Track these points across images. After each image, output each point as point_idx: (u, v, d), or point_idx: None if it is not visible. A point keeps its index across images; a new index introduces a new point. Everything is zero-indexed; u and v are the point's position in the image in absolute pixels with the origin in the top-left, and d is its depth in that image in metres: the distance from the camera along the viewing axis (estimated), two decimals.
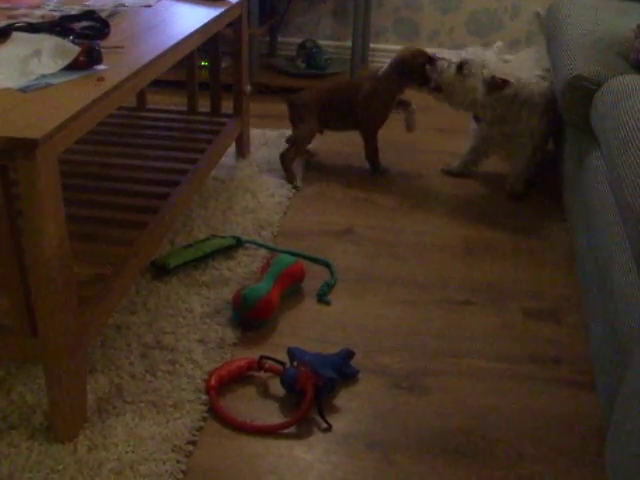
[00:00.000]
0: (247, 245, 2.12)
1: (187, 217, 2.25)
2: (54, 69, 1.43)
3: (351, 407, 1.57)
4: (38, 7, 1.93)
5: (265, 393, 1.60)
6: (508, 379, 1.67)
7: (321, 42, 3.64)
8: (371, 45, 3.75)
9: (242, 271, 2.00)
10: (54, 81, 1.38)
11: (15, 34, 1.57)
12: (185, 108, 2.69)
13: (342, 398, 1.59)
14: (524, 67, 2.49)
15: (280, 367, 1.61)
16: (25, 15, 1.82)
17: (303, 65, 3.47)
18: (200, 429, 1.48)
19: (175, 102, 3.10)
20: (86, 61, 1.46)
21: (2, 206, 1.22)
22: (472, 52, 2.40)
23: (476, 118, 2.54)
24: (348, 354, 1.67)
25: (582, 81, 1.91)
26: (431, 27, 3.71)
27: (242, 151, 2.71)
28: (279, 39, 3.81)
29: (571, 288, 2.02)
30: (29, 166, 1.16)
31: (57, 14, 1.80)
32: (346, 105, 2.59)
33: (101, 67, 1.47)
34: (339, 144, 2.90)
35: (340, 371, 1.61)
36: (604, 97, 1.75)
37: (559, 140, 2.48)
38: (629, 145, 1.43)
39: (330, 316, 1.86)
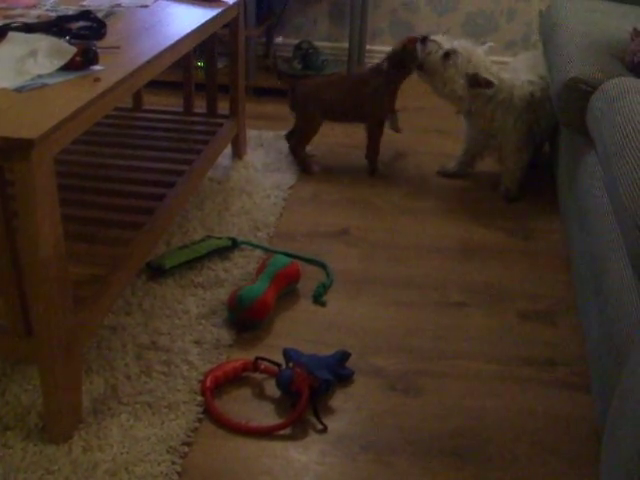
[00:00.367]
0: (243, 246, 2.12)
1: (183, 218, 2.25)
2: (50, 69, 1.43)
3: (346, 408, 1.57)
4: (34, 7, 1.93)
5: (260, 394, 1.59)
6: (504, 381, 1.67)
7: (317, 43, 3.63)
8: (367, 46, 3.75)
9: (238, 272, 2.00)
10: (50, 81, 1.38)
11: (11, 34, 1.57)
12: (181, 109, 2.69)
13: (337, 399, 1.59)
14: (518, 70, 2.50)
15: (276, 368, 1.61)
16: (21, 15, 1.82)
17: (299, 66, 3.47)
18: (195, 430, 1.48)
19: (171, 103, 3.09)
20: (82, 61, 1.45)
21: None
22: (463, 45, 2.41)
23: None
24: (344, 355, 1.66)
25: (578, 83, 1.91)
26: (427, 28, 3.70)
27: (238, 152, 2.71)
28: (275, 40, 3.81)
29: (567, 290, 2.02)
30: (25, 166, 1.16)
31: (53, 14, 1.80)
32: (351, 98, 2.60)
33: (97, 67, 1.47)
34: (335, 145, 2.90)
35: (336, 372, 1.61)
36: (600, 99, 1.75)
37: (554, 142, 2.48)
38: (625, 147, 1.43)
39: (326, 317, 1.86)
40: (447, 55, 2.38)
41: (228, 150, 2.70)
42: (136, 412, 1.50)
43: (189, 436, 1.45)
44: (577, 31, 2.22)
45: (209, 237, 2.09)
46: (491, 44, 2.54)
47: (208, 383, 1.56)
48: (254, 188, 2.47)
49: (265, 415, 1.54)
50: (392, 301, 1.94)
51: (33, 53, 1.45)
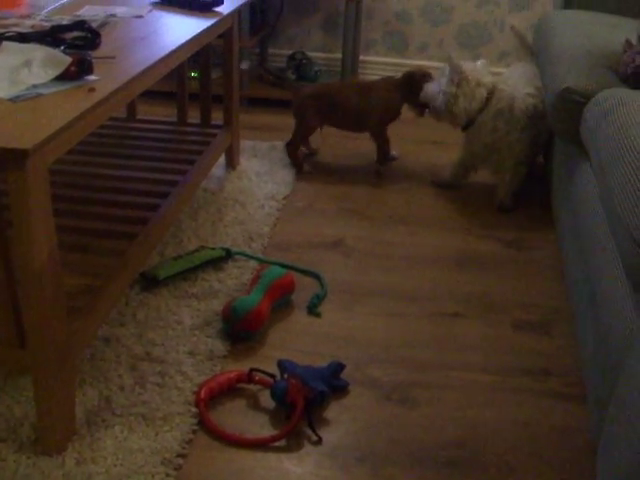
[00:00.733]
0: (237, 257, 2.11)
1: (177, 228, 2.24)
2: (45, 79, 1.42)
3: (341, 420, 1.56)
4: (28, 17, 1.92)
5: (255, 406, 1.59)
6: (498, 391, 1.67)
7: (311, 54, 3.64)
8: (361, 57, 3.76)
9: (232, 283, 1.99)
10: (45, 91, 1.37)
11: (5, 44, 1.57)
12: (175, 119, 2.69)
13: (332, 411, 1.58)
14: (517, 82, 2.51)
15: (270, 380, 1.60)
16: (15, 25, 1.82)
17: (293, 77, 3.47)
18: (190, 442, 1.47)
19: (165, 113, 3.09)
20: (77, 71, 1.45)
21: None
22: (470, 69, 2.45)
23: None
24: (338, 367, 1.66)
25: (572, 94, 1.91)
26: (421, 39, 3.73)
27: (232, 162, 2.70)
28: (269, 50, 3.82)
29: (561, 300, 2.02)
30: (19, 176, 1.16)
31: (48, 24, 1.79)
32: (354, 105, 2.67)
33: (92, 77, 1.46)
34: (329, 156, 2.90)
35: (330, 384, 1.61)
36: (594, 110, 1.76)
37: (549, 152, 2.49)
38: (619, 158, 1.43)
39: (320, 328, 1.86)
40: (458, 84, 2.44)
41: (222, 160, 2.69)
42: (130, 424, 1.49)
43: (184, 448, 1.44)
44: (570, 42, 2.23)
45: (203, 248, 2.08)
46: (483, 61, 2.56)
47: (202, 394, 1.55)
48: (248, 198, 2.47)
49: (260, 426, 1.53)
50: (387, 312, 1.94)
51: (28, 63, 1.45)
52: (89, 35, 1.69)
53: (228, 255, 2.09)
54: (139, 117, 2.74)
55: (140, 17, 2.04)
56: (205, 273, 2.03)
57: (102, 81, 1.45)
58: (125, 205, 1.99)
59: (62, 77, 1.43)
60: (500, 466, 1.46)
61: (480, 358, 1.78)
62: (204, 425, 1.51)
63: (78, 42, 1.64)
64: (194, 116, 2.70)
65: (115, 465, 1.39)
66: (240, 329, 1.77)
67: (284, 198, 2.51)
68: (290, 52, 3.58)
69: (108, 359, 1.67)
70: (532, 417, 1.60)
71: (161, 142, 2.46)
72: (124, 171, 2.20)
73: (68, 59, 1.45)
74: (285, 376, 1.59)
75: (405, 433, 1.53)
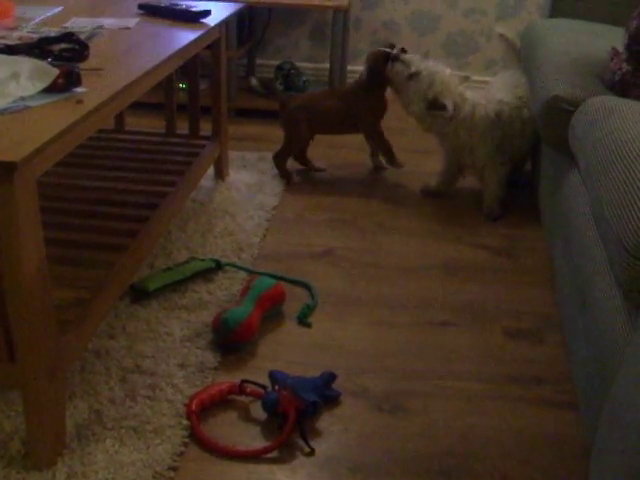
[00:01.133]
0: (227, 268, 2.11)
1: (166, 240, 2.24)
2: (32, 91, 1.42)
3: (334, 430, 1.55)
4: (16, 29, 1.92)
5: (247, 417, 1.58)
6: (490, 400, 1.67)
7: (299, 64, 3.65)
8: (349, 67, 3.76)
9: (222, 294, 1.98)
10: (32, 103, 1.37)
11: None
12: (163, 130, 2.68)
13: (324, 421, 1.58)
14: (494, 90, 2.53)
15: (262, 391, 1.59)
16: (3, 37, 1.81)
17: (281, 87, 3.47)
18: (181, 454, 1.46)
19: (153, 124, 3.08)
20: (65, 83, 1.44)
21: None
22: (431, 67, 2.48)
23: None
24: (330, 377, 1.65)
25: (559, 102, 1.92)
26: (408, 49, 3.72)
27: (221, 173, 2.70)
28: (257, 61, 3.82)
29: (551, 307, 2.02)
30: (7, 189, 1.15)
31: (35, 36, 1.79)
32: (342, 109, 2.71)
33: (80, 89, 1.46)
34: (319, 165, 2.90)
35: (322, 394, 1.60)
36: (581, 118, 1.76)
37: (536, 160, 2.50)
38: (608, 165, 1.44)
39: (311, 338, 1.85)
40: (411, 77, 2.47)
41: (211, 171, 2.69)
42: (121, 437, 1.48)
43: (175, 460, 1.43)
44: (557, 50, 2.24)
45: (193, 259, 2.08)
46: (466, 75, 2.58)
47: (194, 406, 1.54)
48: (237, 209, 2.47)
49: (252, 438, 1.52)
50: (377, 321, 1.94)
51: (15, 75, 1.44)
52: (77, 47, 1.69)
53: (218, 266, 2.08)
54: (127, 129, 2.73)
55: (128, 29, 2.04)
56: (195, 284, 2.02)
57: (90, 93, 1.45)
58: (114, 217, 1.98)
59: (50, 89, 1.43)
60: (493, 474, 1.46)
61: (471, 366, 1.78)
62: (195, 437, 1.50)
63: (66, 54, 1.64)
64: (182, 127, 2.70)
65: (106, 479, 1.38)
66: (231, 340, 1.76)
67: (273, 209, 2.51)
68: (278, 62, 3.59)
69: (98, 372, 1.66)
70: (524, 425, 1.59)
71: (150, 154, 2.45)
72: (113, 183, 2.19)
73: (56, 71, 1.45)
74: (276, 387, 1.58)
75: (397, 443, 1.53)
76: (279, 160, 2.77)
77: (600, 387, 1.31)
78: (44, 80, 1.44)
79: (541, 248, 2.35)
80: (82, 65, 1.61)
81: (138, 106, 3.09)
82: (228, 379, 1.66)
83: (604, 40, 2.33)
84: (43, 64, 1.49)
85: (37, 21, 2.04)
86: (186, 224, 2.34)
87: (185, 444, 1.48)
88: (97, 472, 1.39)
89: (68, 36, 1.73)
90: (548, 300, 2.06)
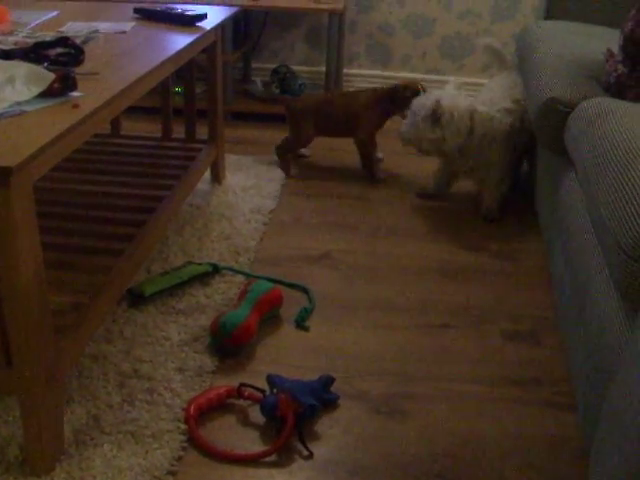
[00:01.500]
0: (224, 272, 2.10)
1: (163, 244, 2.23)
2: (28, 96, 1.41)
3: (332, 434, 1.55)
4: (11, 34, 1.92)
5: (245, 421, 1.58)
6: (489, 402, 1.67)
7: (295, 67, 3.65)
8: (345, 70, 3.77)
9: (219, 298, 1.98)
10: (28, 108, 1.37)
11: None
12: (160, 134, 2.68)
13: (323, 425, 1.57)
14: (494, 97, 2.52)
15: (260, 395, 1.59)
16: None
17: (277, 90, 3.47)
18: (180, 459, 1.45)
19: (149, 129, 3.09)
20: (61, 88, 1.44)
21: None
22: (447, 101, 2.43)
23: None
24: (328, 380, 1.65)
25: (556, 104, 1.92)
26: (404, 51, 3.74)
27: (217, 177, 2.70)
28: (253, 65, 3.82)
29: (549, 309, 2.02)
30: (4, 194, 1.15)
31: (31, 41, 1.79)
32: (343, 113, 2.78)
33: (76, 94, 1.46)
34: (314, 170, 2.90)
35: (320, 397, 1.60)
36: (578, 119, 1.77)
37: (533, 161, 2.50)
38: (604, 166, 1.44)
39: (309, 342, 1.85)
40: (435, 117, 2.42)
41: (207, 175, 2.69)
42: (119, 442, 1.48)
43: (173, 465, 1.43)
44: (553, 52, 2.25)
45: (190, 263, 2.08)
46: (452, 80, 2.59)
47: (192, 411, 1.54)
48: (234, 213, 2.46)
49: (250, 442, 1.52)
50: (375, 324, 1.93)
51: (11, 80, 1.44)
52: (72, 51, 1.69)
53: (215, 270, 2.08)
54: (123, 133, 2.73)
55: (123, 33, 2.04)
56: (192, 288, 2.02)
57: (86, 97, 1.45)
58: (111, 221, 1.98)
59: (46, 94, 1.43)
60: (492, 477, 1.46)
61: (470, 369, 1.78)
62: (194, 442, 1.50)
63: (61, 58, 1.64)
64: (179, 131, 2.70)
65: None
66: (229, 344, 1.76)
67: (270, 212, 2.50)
68: (274, 66, 3.59)
69: (96, 377, 1.66)
70: (523, 427, 1.59)
71: (146, 158, 2.45)
72: (109, 187, 2.19)
73: (52, 75, 1.45)
74: (274, 391, 1.58)
75: (396, 446, 1.53)
76: (280, 152, 2.85)
77: (598, 388, 1.31)
78: (40, 85, 1.44)
79: (538, 250, 2.35)
80: (78, 69, 1.61)
81: (134, 110, 3.10)
82: (226, 383, 1.66)
83: (599, 42, 2.33)
84: (39, 69, 1.48)
85: (33, 26, 2.03)
86: (183, 228, 2.34)
87: (183, 448, 1.48)
88: (95, 477, 1.39)
89: (64, 41, 1.72)
90: (546, 302, 2.06)
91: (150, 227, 1.94)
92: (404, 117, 2.63)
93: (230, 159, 2.90)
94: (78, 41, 1.85)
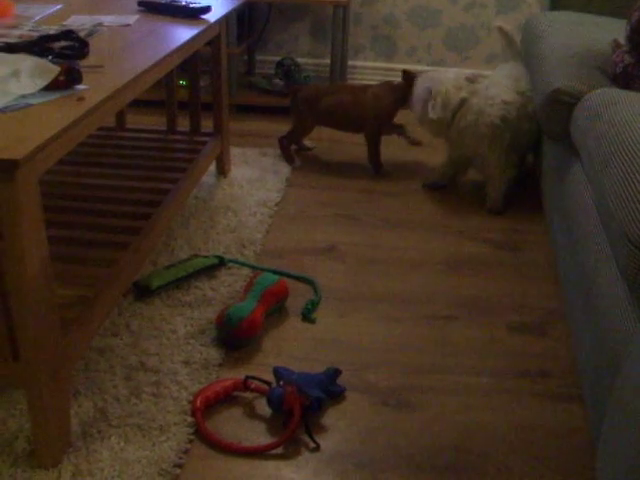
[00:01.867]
0: (230, 264, 2.10)
1: (169, 237, 2.23)
2: (33, 89, 1.41)
3: (339, 426, 1.55)
4: (16, 27, 1.91)
5: (252, 414, 1.58)
6: (495, 394, 1.67)
7: (299, 60, 3.64)
8: (349, 62, 3.76)
9: (225, 291, 1.98)
10: (34, 101, 1.36)
11: None
12: (164, 128, 2.68)
13: (330, 417, 1.58)
14: (497, 88, 2.51)
15: (266, 387, 1.59)
16: (3, 35, 1.81)
17: (282, 83, 3.47)
18: (187, 451, 1.46)
19: (154, 122, 3.08)
20: (66, 81, 1.44)
21: None
22: (435, 74, 2.52)
23: None
24: (335, 372, 1.65)
25: (562, 95, 1.92)
26: (409, 43, 3.73)
27: (223, 170, 2.70)
28: (258, 57, 3.81)
29: (555, 301, 2.02)
30: (10, 187, 1.15)
31: (35, 34, 1.79)
32: (352, 106, 2.76)
33: (81, 87, 1.45)
34: (320, 162, 2.90)
35: (327, 390, 1.60)
36: (584, 110, 1.76)
37: (538, 153, 2.49)
38: (611, 157, 1.43)
39: (315, 334, 1.85)
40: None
41: (212, 168, 2.69)
42: (126, 434, 1.48)
43: (180, 458, 1.43)
44: (559, 43, 2.24)
45: (196, 256, 2.07)
46: (475, 72, 2.61)
47: (198, 403, 1.54)
48: (239, 206, 2.46)
49: (257, 434, 1.52)
50: (381, 316, 1.93)
51: (16, 73, 1.44)
52: (77, 44, 1.68)
53: (221, 263, 2.08)
54: (128, 126, 2.73)
55: (127, 26, 2.03)
56: (198, 281, 2.02)
57: (91, 90, 1.44)
58: (117, 214, 1.98)
59: (51, 87, 1.43)
60: (499, 469, 1.46)
61: (476, 361, 1.77)
62: (201, 434, 1.50)
63: (66, 51, 1.64)
64: (184, 124, 2.70)
65: (112, 477, 1.38)
66: (235, 337, 1.76)
67: (276, 205, 2.50)
68: (278, 58, 3.58)
69: (102, 370, 1.66)
70: (530, 419, 1.59)
71: (151, 151, 2.45)
72: (115, 181, 2.19)
73: (57, 69, 1.44)
74: (281, 383, 1.58)
75: (403, 438, 1.53)
76: (284, 143, 2.86)
77: (606, 379, 1.30)
78: (45, 78, 1.44)
79: (544, 241, 2.35)
80: (82, 62, 1.61)
81: (139, 103, 3.11)
82: (232, 376, 1.66)
83: (605, 32, 2.32)
84: (44, 62, 1.48)
85: (37, 19, 2.03)
86: (188, 221, 2.34)
87: (190, 441, 1.48)
88: (103, 470, 1.39)
89: (68, 34, 1.72)
90: (552, 293, 2.06)
91: (156, 220, 1.94)
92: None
93: (235, 152, 2.90)
94: (82, 34, 1.85)
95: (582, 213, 1.67)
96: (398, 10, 3.68)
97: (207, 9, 2.23)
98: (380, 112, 2.75)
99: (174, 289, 1.98)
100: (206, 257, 2.07)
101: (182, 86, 3.25)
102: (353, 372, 1.71)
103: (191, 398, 1.58)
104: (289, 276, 2.07)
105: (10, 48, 1.62)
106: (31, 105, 1.35)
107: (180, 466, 1.42)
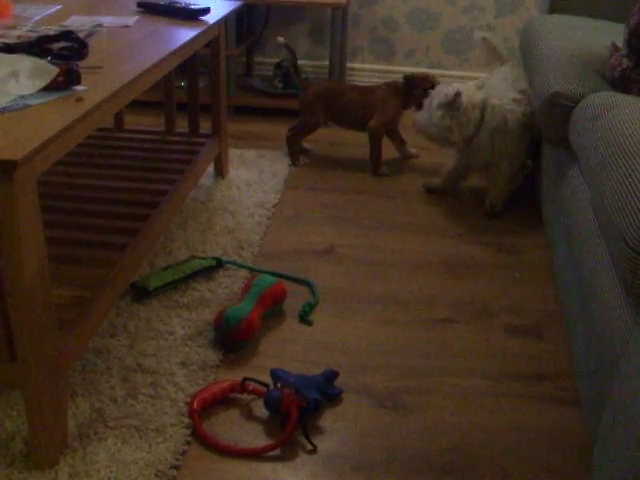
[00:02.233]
0: (227, 266, 2.10)
1: (166, 238, 2.23)
2: (32, 90, 1.41)
3: (336, 428, 1.55)
4: (15, 28, 1.91)
5: (249, 415, 1.58)
6: (492, 396, 1.67)
7: (298, 62, 3.63)
8: (348, 64, 3.76)
9: (223, 292, 1.98)
10: (32, 102, 1.36)
11: None
12: (163, 129, 2.68)
13: (327, 419, 1.58)
14: (500, 89, 2.51)
15: (264, 389, 1.59)
16: (1, 36, 1.81)
17: (280, 85, 3.47)
18: (184, 453, 1.46)
19: (152, 123, 3.08)
20: (64, 82, 1.44)
21: None
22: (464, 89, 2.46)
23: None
24: (332, 374, 1.65)
25: (560, 98, 1.92)
26: (407, 46, 3.73)
27: (221, 171, 2.70)
28: (256, 59, 3.81)
29: (552, 304, 2.02)
30: (8, 188, 1.15)
31: (34, 35, 1.79)
32: (359, 105, 2.80)
33: (80, 88, 1.45)
34: (318, 163, 2.90)
35: (324, 392, 1.60)
36: (582, 114, 1.76)
37: (537, 156, 2.50)
38: (609, 160, 1.43)
39: (312, 336, 1.85)
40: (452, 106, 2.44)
41: (210, 169, 2.69)
42: (123, 436, 1.48)
43: (177, 459, 1.43)
44: (557, 46, 2.24)
45: (193, 257, 2.07)
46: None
47: (195, 405, 1.54)
48: (237, 207, 2.46)
49: (254, 436, 1.52)
50: (379, 318, 1.93)
51: (14, 74, 1.44)
52: (76, 45, 1.68)
53: (219, 264, 2.08)
54: (127, 127, 2.73)
55: (127, 27, 2.03)
56: (196, 283, 2.02)
57: (90, 91, 1.44)
58: (114, 216, 1.98)
59: (49, 88, 1.43)
60: (495, 471, 1.46)
61: (473, 363, 1.77)
62: (198, 436, 1.50)
63: (65, 52, 1.64)
64: (182, 126, 2.70)
65: (109, 478, 1.37)
66: (232, 339, 1.76)
67: (274, 206, 2.50)
68: (277, 60, 3.58)
69: (99, 371, 1.66)
70: (527, 421, 1.59)
71: (149, 152, 2.45)
72: (113, 182, 2.18)
73: (55, 69, 1.44)
74: (278, 385, 1.58)
75: (400, 440, 1.53)
76: (291, 140, 2.88)
77: (602, 382, 1.30)
78: (44, 78, 1.43)
79: (542, 244, 2.35)
80: (81, 63, 1.60)
81: (137, 104, 3.10)
82: (230, 377, 1.66)
83: (604, 36, 2.32)
84: (43, 62, 1.48)
85: (36, 20, 2.03)
86: (186, 222, 2.34)
87: (187, 443, 1.48)
88: (99, 471, 1.39)
89: (67, 34, 1.72)
90: (549, 296, 2.06)
91: (153, 221, 1.94)
92: (419, 108, 2.64)
93: (233, 153, 2.90)
94: (81, 35, 1.84)
95: (580, 216, 1.67)
96: (397, 12, 3.68)
97: (206, 10, 2.23)
98: (386, 112, 2.78)
99: (172, 290, 1.98)
100: (204, 258, 2.07)
101: (181, 87, 3.26)
102: (350, 374, 1.71)
103: (188, 400, 1.58)
104: (287, 278, 2.07)
105: (9, 49, 1.62)
106: (30, 106, 1.35)
107: (177, 468, 1.42)
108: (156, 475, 1.38)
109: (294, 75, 2.93)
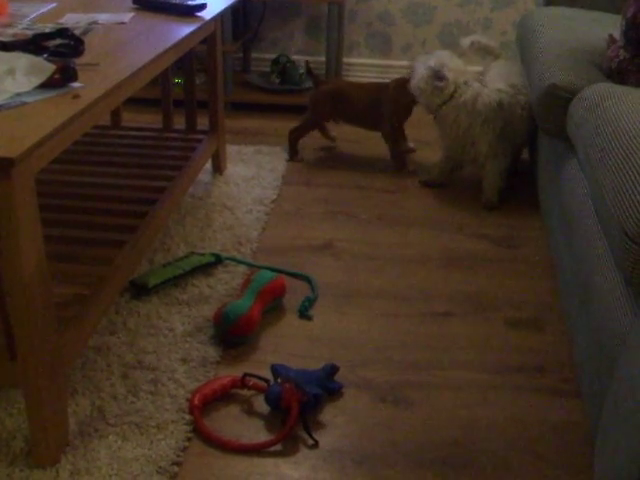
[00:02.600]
0: (227, 262, 2.10)
1: (165, 235, 2.23)
2: (29, 87, 1.41)
3: (337, 422, 1.55)
4: (10, 26, 1.91)
5: (250, 411, 1.58)
6: (493, 389, 1.67)
7: (295, 57, 3.64)
8: (344, 59, 3.76)
9: (222, 288, 1.98)
10: (29, 99, 1.36)
11: None
12: (160, 125, 2.67)
13: (328, 414, 1.58)
14: (492, 79, 2.52)
15: (264, 384, 1.59)
16: None
17: (277, 80, 3.47)
18: (185, 449, 1.46)
19: (150, 120, 3.08)
20: (61, 79, 1.44)
21: None
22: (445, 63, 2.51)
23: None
24: (332, 369, 1.65)
25: (557, 90, 1.92)
26: (404, 40, 3.73)
27: (218, 168, 2.69)
28: (253, 55, 3.81)
29: (552, 296, 2.02)
30: (5, 186, 1.14)
31: (30, 32, 1.78)
32: (368, 105, 2.78)
33: (76, 85, 1.45)
34: (316, 159, 2.90)
35: (325, 386, 1.60)
36: (580, 105, 1.76)
37: (534, 148, 2.49)
38: (607, 152, 1.43)
39: (312, 331, 1.85)
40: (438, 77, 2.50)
41: (208, 166, 2.69)
42: (124, 433, 1.48)
43: (179, 456, 1.43)
44: (554, 38, 2.24)
45: (192, 254, 2.07)
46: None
47: (196, 401, 1.54)
48: (236, 203, 2.46)
49: (255, 432, 1.52)
50: (378, 313, 1.93)
51: (11, 71, 1.44)
52: (72, 42, 1.68)
53: (218, 260, 2.08)
54: (124, 124, 2.72)
55: (123, 23, 2.03)
56: (195, 279, 2.01)
57: (86, 88, 1.44)
58: (113, 213, 1.98)
59: (46, 85, 1.42)
60: (497, 464, 1.46)
61: (474, 357, 1.77)
62: (199, 432, 1.50)
63: (61, 49, 1.63)
64: (179, 122, 2.69)
65: (110, 475, 1.37)
66: (232, 334, 1.76)
67: (272, 202, 2.50)
68: (274, 56, 3.58)
69: (99, 368, 1.66)
70: (527, 414, 1.59)
71: (147, 149, 2.45)
72: (110, 179, 2.18)
73: (52, 67, 1.44)
74: (279, 380, 1.58)
75: (401, 434, 1.53)
76: (293, 135, 2.87)
77: (603, 374, 1.30)
78: (40, 76, 1.43)
79: (541, 237, 2.35)
80: (78, 60, 1.60)
81: (134, 102, 3.10)
82: (230, 373, 1.66)
83: (601, 28, 2.32)
84: (39, 60, 1.48)
85: (31, 17, 2.03)
86: (184, 219, 2.34)
87: (188, 439, 1.48)
88: (100, 468, 1.39)
89: (63, 32, 1.72)
90: (549, 289, 2.06)
91: (152, 218, 1.94)
92: None
93: (231, 150, 2.89)
94: (77, 32, 1.84)
95: (578, 208, 1.67)
96: (393, 7, 3.67)
97: (202, 6, 2.22)
98: (397, 113, 2.76)
99: (171, 287, 1.97)
100: (203, 255, 2.07)
101: (177, 84, 3.25)
102: (350, 368, 1.71)
103: (189, 396, 1.58)
104: (286, 273, 2.07)
105: (5, 46, 1.61)
106: (26, 103, 1.35)
107: (178, 464, 1.42)
108: (157, 472, 1.38)
109: (307, 72, 2.92)
